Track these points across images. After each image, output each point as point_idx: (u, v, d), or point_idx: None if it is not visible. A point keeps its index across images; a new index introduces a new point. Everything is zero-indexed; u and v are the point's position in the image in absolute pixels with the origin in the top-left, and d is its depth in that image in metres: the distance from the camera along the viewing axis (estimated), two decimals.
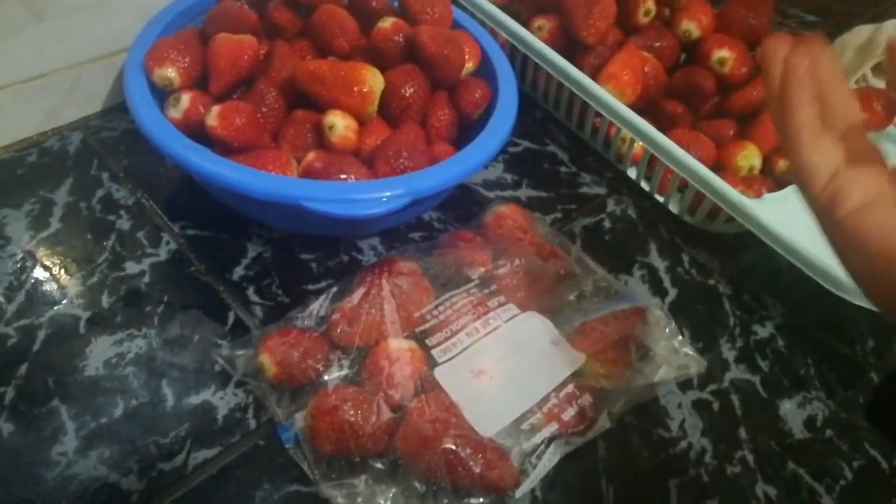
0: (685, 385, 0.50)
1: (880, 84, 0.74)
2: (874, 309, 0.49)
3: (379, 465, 0.42)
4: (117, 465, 0.41)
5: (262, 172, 0.46)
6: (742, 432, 0.48)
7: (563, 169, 0.65)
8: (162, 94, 0.51)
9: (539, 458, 0.43)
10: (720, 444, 0.47)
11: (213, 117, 0.48)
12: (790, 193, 0.56)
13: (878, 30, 0.75)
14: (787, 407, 0.50)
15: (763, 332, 0.55)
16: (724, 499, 0.45)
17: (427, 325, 0.46)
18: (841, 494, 0.46)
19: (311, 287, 0.51)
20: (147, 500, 0.40)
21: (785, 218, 0.53)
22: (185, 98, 0.50)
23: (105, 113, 0.61)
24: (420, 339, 0.46)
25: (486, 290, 0.49)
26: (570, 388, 0.45)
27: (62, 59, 0.56)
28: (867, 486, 0.47)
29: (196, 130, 0.49)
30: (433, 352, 0.45)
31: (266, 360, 0.43)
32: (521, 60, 0.68)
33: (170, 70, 0.50)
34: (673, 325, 0.51)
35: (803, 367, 0.53)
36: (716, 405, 0.49)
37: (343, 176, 0.48)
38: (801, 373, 0.52)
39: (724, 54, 0.64)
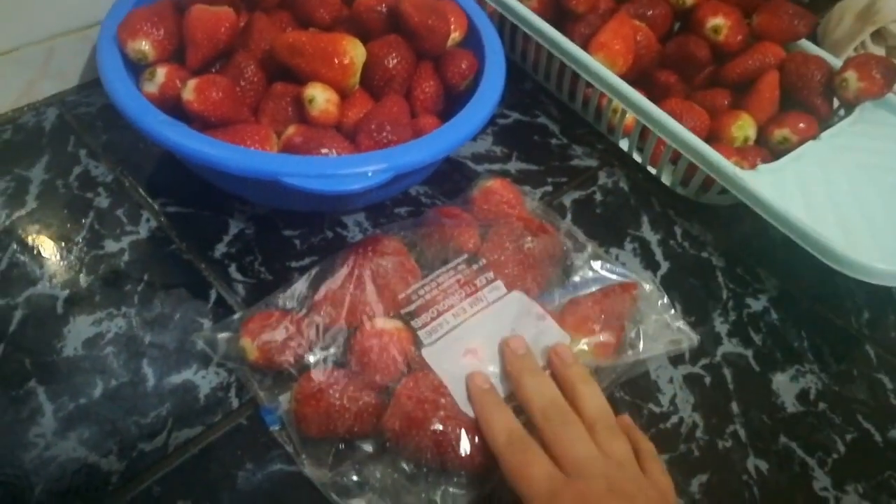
0: (677, 360, 0.49)
1: (879, 51, 0.72)
2: (870, 281, 0.48)
3: (367, 448, 0.41)
4: (97, 446, 0.40)
5: (241, 148, 0.45)
6: (734, 406, 0.48)
7: (553, 141, 0.64)
8: (138, 69, 0.50)
9: None
10: (712, 418, 0.47)
11: (189, 91, 0.46)
12: (785, 164, 0.55)
13: None
14: (779, 380, 0.49)
15: (756, 305, 0.54)
16: (715, 473, 0.44)
17: (413, 306, 0.45)
18: (833, 468, 0.45)
19: (294, 264, 0.50)
20: (127, 480, 0.39)
21: (780, 189, 0.52)
22: (161, 72, 0.48)
23: (81, 88, 0.59)
24: (406, 319, 0.45)
25: (474, 268, 0.48)
26: None
27: (35, 32, 0.54)
28: (860, 460, 0.46)
29: (173, 105, 0.47)
30: (420, 332, 0.44)
31: (247, 343, 0.42)
32: (509, 30, 0.66)
33: (143, 43, 0.48)
34: (665, 298, 0.50)
35: (797, 339, 0.52)
36: (708, 379, 0.49)
37: (324, 150, 0.46)
38: (795, 346, 0.52)
39: (719, 22, 0.62)
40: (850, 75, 0.59)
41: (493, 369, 0.43)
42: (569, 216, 0.58)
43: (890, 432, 0.48)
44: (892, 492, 0.44)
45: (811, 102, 0.61)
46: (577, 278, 0.50)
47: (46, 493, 0.38)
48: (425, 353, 0.43)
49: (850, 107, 0.62)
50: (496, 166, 0.60)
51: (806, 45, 0.66)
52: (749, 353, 0.51)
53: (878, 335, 0.53)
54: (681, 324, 0.49)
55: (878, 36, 0.73)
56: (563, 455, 0.36)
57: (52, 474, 0.39)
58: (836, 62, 0.62)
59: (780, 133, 0.60)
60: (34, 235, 0.49)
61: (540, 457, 0.36)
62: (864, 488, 0.44)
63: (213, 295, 0.48)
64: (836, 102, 0.62)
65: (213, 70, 0.51)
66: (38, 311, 0.45)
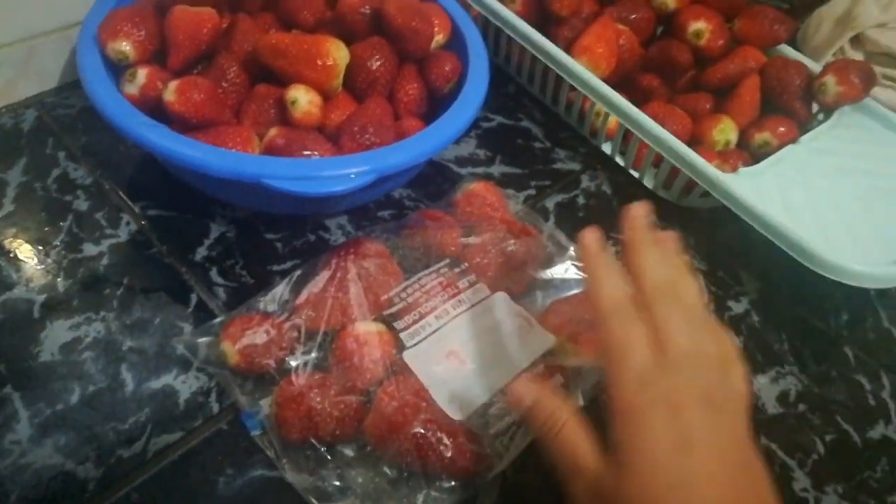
0: None
1: (858, 56, 0.73)
2: (848, 283, 0.49)
3: (348, 452, 0.41)
4: (74, 453, 0.39)
5: (222, 150, 0.44)
6: None
7: (537, 144, 0.64)
8: (118, 70, 0.49)
9: (511, 439, 0.42)
10: None
11: (170, 93, 0.46)
12: (765, 168, 0.56)
13: (856, 2, 0.74)
14: (760, 382, 0.50)
15: (738, 307, 0.54)
16: None
17: (395, 308, 0.45)
18: (813, 469, 0.46)
19: (276, 267, 0.50)
20: (105, 487, 0.39)
21: (760, 193, 0.53)
22: (142, 73, 0.48)
23: (61, 89, 0.59)
24: (388, 322, 0.45)
25: (456, 270, 0.48)
26: (540, 368, 0.44)
27: (14, 31, 0.54)
28: (839, 461, 0.46)
29: (154, 107, 0.47)
30: (402, 335, 0.44)
31: (228, 347, 0.42)
32: (493, 33, 0.66)
33: (124, 44, 0.48)
34: None
35: (777, 341, 0.52)
36: None
37: (306, 152, 0.46)
38: (775, 348, 0.52)
39: (701, 26, 0.63)
40: (829, 80, 0.60)
41: (473, 373, 0.43)
42: (552, 219, 0.58)
43: (868, 433, 0.48)
44: (871, 492, 0.45)
45: (791, 107, 0.62)
46: (557, 282, 0.50)
47: (22, 501, 0.37)
48: (407, 355, 0.43)
49: (828, 111, 0.62)
50: (479, 169, 0.60)
51: (786, 50, 0.66)
52: None
53: (857, 336, 0.54)
54: None
55: (857, 41, 0.74)
56: (666, 341, 0.33)
57: (27, 481, 0.38)
58: (816, 67, 0.63)
59: (760, 137, 0.61)
60: (11, 239, 0.49)
61: (641, 336, 0.34)
62: (844, 489, 0.45)
63: (193, 299, 0.47)
64: (815, 107, 0.63)
65: (195, 71, 0.51)
66: (15, 316, 0.45)
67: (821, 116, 0.63)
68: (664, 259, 0.38)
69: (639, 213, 0.40)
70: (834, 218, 0.53)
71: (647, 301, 0.35)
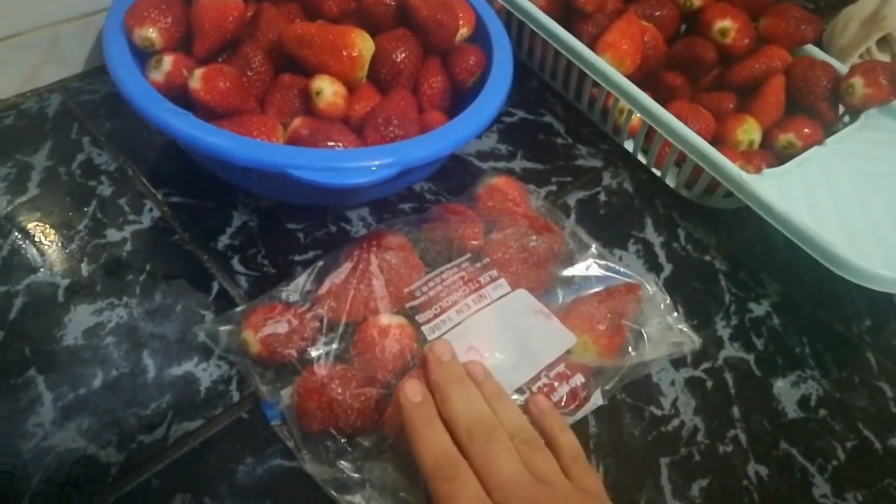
0: (679, 363, 0.49)
1: (885, 58, 0.72)
2: (873, 287, 0.48)
3: (367, 444, 0.41)
4: (96, 437, 0.40)
5: (246, 138, 0.44)
6: (735, 411, 0.48)
7: (558, 140, 0.64)
8: (144, 56, 0.49)
9: None
10: (713, 422, 0.47)
11: (196, 80, 0.46)
12: (790, 169, 0.55)
13: (884, 2, 0.73)
14: (780, 386, 0.49)
15: (759, 309, 0.54)
16: (715, 478, 0.44)
17: (417, 302, 0.45)
18: (833, 474, 0.45)
19: (297, 258, 0.50)
20: (126, 472, 0.39)
21: (784, 194, 0.52)
22: (168, 60, 0.48)
23: (86, 75, 0.59)
24: (409, 315, 0.45)
25: (478, 265, 0.48)
26: (561, 367, 0.44)
27: (39, 17, 0.54)
28: (860, 467, 0.46)
29: (179, 94, 0.47)
30: (423, 328, 0.44)
31: (250, 336, 0.42)
32: (517, 27, 0.66)
33: (151, 30, 0.48)
34: (668, 301, 0.50)
35: (798, 345, 0.52)
36: (709, 383, 0.49)
37: (330, 143, 0.46)
38: (797, 351, 0.52)
39: (726, 24, 0.62)
40: (857, 81, 0.59)
41: (493, 369, 0.43)
42: (573, 216, 0.57)
43: (890, 440, 0.48)
44: (892, 500, 0.45)
45: (817, 108, 0.61)
46: (579, 279, 0.50)
47: (44, 484, 0.38)
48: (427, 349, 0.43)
49: (855, 113, 0.62)
50: (501, 164, 0.60)
51: (812, 50, 0.65)
52: (751, 357, 0.51)
53: (880, 343, 0.53)
54: (683, 327, 0.49)
55: (884, 43, 0.73)
56: (490, 477, 0.35)
57: (50, 465, 0.38)
58: (843, 68, 0.62)
59: (784, 138, 0.60)
60: (35, 222, 0.49)
61: (468, 484, 0.34)
62: (864, 496, 0.44)
63: (215, 287, 0.47)
64: (840, 108, 0.62)
65: (220, 60, 0.51)
66: (39, 299, 0.45)
67: (847, 118, 0.63)
68: (472, 395, 0.38)
69: (440, 351, 0.40)
70: (859, 221, 0.52)
71: (465, 445, 0.36)
